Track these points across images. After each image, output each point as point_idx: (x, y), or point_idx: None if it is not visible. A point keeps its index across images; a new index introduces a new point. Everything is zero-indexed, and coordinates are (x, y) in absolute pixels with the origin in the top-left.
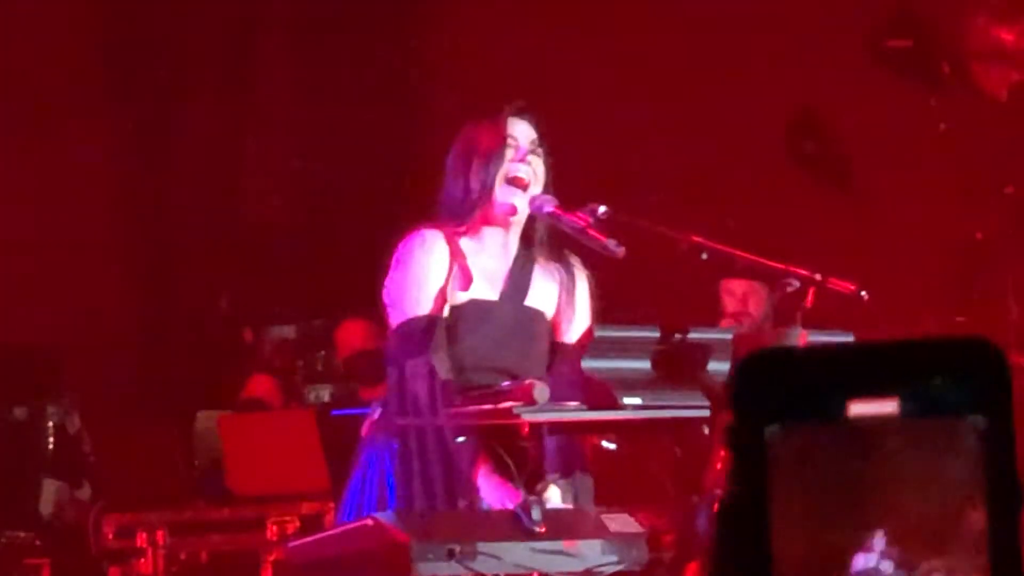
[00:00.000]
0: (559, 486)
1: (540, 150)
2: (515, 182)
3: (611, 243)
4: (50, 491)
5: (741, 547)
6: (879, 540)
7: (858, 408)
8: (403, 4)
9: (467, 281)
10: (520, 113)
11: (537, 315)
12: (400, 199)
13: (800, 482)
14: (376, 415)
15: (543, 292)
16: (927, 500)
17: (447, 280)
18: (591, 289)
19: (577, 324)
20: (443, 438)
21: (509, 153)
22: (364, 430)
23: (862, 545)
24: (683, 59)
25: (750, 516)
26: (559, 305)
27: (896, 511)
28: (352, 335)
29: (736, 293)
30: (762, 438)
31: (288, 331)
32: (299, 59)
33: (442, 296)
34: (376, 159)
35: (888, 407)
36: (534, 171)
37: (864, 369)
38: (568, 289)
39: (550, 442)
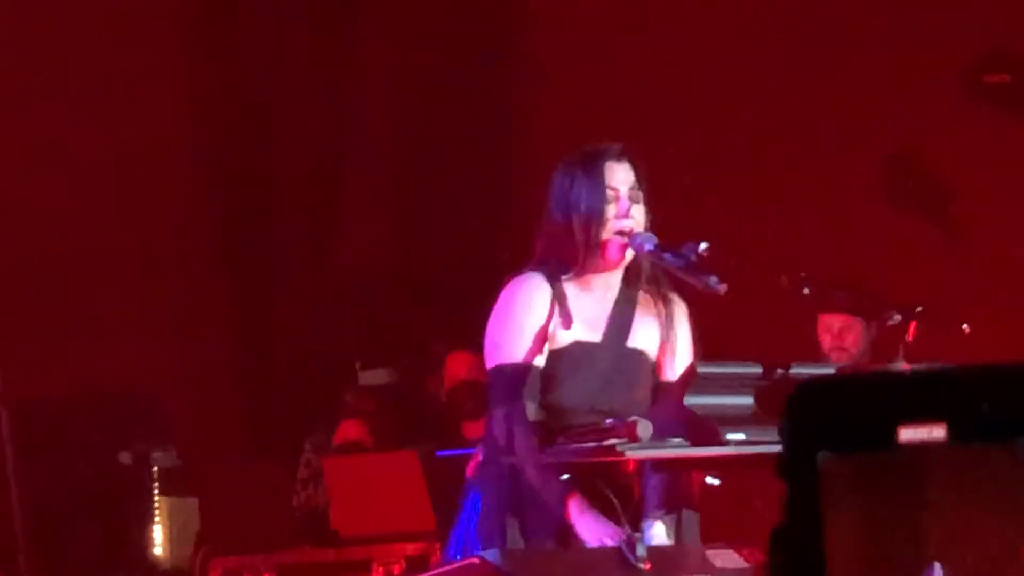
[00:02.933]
0: (663, 523)
1: (639, 194)
2: (621, 235)
3: (712, 280)
4: (157, 535)
5: (797, 573)
6: (937, 571)
7: (908, 434)
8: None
9: (568, 323)
10: (619, 158)
11: (640, 356)
12: (498, 241)
13: (854, 508)
14: (480, 456)
15: (645, 332)
16: (982, 528)
17: (547, 324)
18: (690, 324)
19: (679, 361)
20: (533, 479)
21: (611, 208)
22: (469, 471)
23: (923, 568)
24: (780, 96)
25: (805, 543)
26: (661, 343)
27: (952, 539)
28: (458, 366)
29: (833, 328)
30: (814, 465)
31: (380, 375)
32: (398, 97)
33: (540, 341)
34: (474, 198)
35: (937, 432)
36: (635, 219)
37: (913, 395)
38: (669, 326)
39: (653, 479)
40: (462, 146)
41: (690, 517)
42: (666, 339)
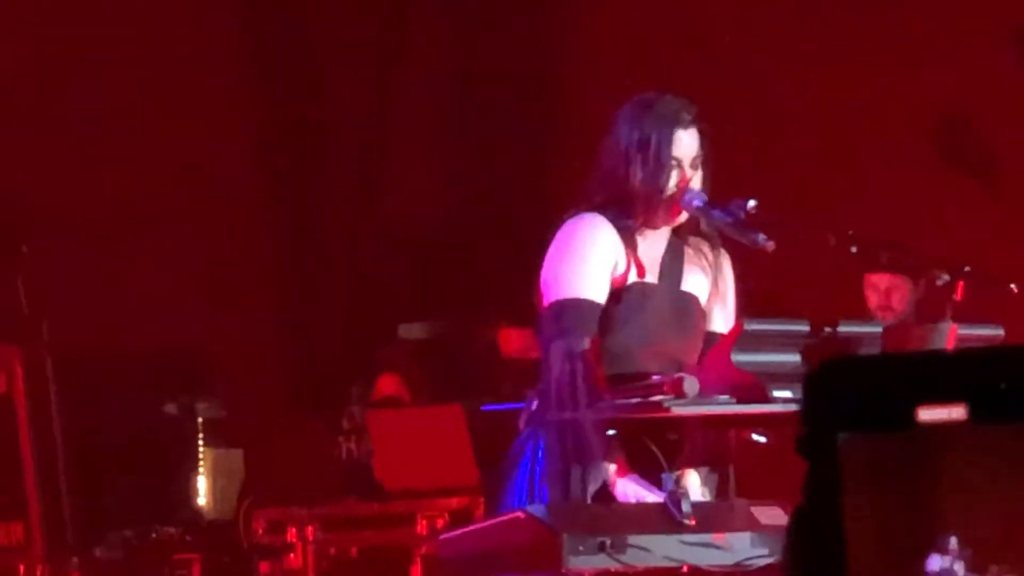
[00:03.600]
0: (698, 479)
1: (700, 161)
2: (680, 203)
3: (760, 237)
4: (201, 487)
5: (816, 554)
6: (953, 542)
7: (927, 414)
8: None
9: (630, 265)
10: (688, 126)
11: (693, 300)
12: (544, 199)
13: (873, 488)
14: (533, 406)
15: (695, 278)
16: (999, 506)
17: (611, 267)
18: (735, 278)
19: (727, 310)
20: (582, 431)
21: (673, 178)
22: (521, 423)
23: (936, 547)
24: (830, 54)
25: (823, 522)
26: (710, 291)
27: (968, 515)
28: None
29: (880, 287)
30: (834, 445)
31: (416, 329)
32: (447, 51)
33: (603, 282)
34: (523, 154)
35: (957, 413)
36: (697, 178)
37: (932, 376)
38: (718, 274)
39: (691, 436)
40: (510, 101)
41: (723, 473)
42: (715, 287)
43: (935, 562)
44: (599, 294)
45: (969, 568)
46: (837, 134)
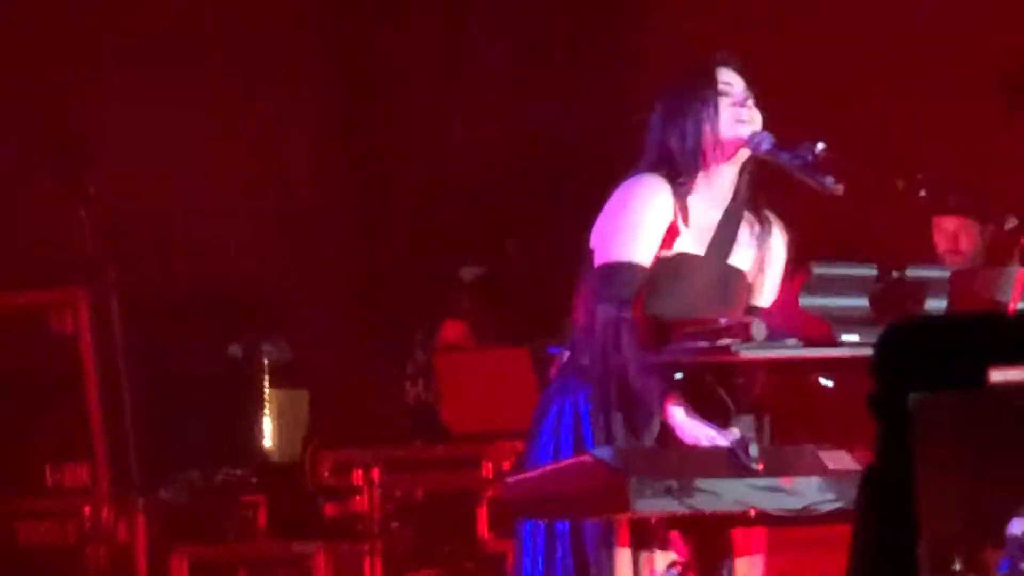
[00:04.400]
0: (743, 426)
1: (750, 101)
2: (740, 124)
3: (829, 180)
4: (266, 429)
5: (888, 513)
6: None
7: (999, 375)
8: None
9: (678, 232)
10: (726, 62)
11: (738, 274)
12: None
13: (946, 448)
14: (565, 356)
15: (746, 251)
16: None
17: (665, 227)
18: (789, 250)
19: (768, 286)
20: (634, 380)
21: (726, 100)
22: (552, 371)
23: (1017, 511)
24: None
25: (896, 483)
26: (756, 266)
27: None
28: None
29: (948, 230)
30: (905, 405)
31: (474, 271)
32: (511, 10)
33: (653, 246)
34: (583, 116)
35: None
36: (750, 120)
37: (1005, 337)
38: (767, 250)
39: (767, 379)
40: (580, 41)
41: (771, 421)
42: (762, 263)
43: (1018, 525)
44: (647, 257)
45: None
46: (907, 77)
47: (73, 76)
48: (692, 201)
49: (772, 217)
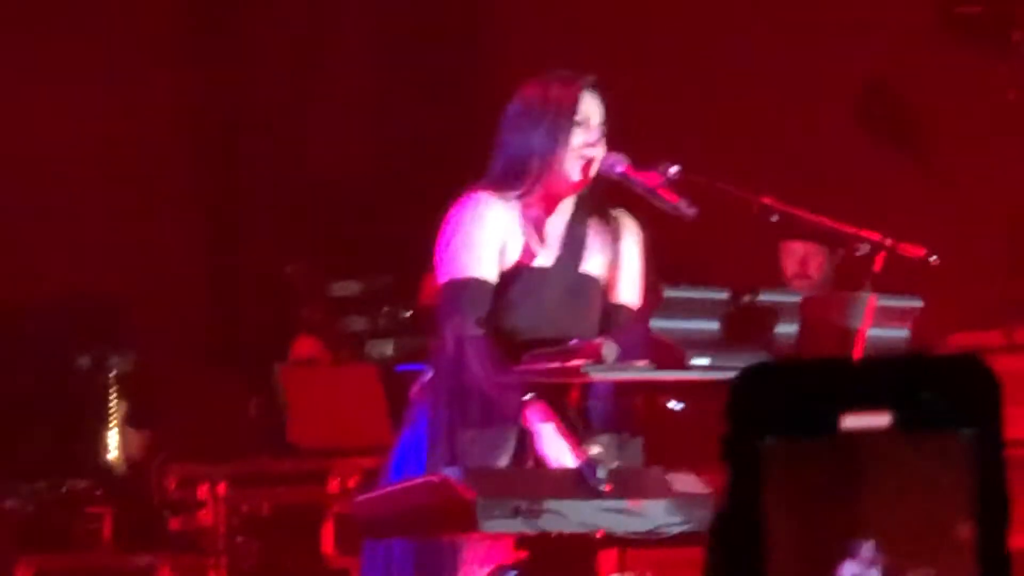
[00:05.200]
0: (604, 444)
1: (604, 129)
2: (587, 164)
3: (682, 203)
4: (112, 440)
5: (734, 557)
6: (868, 549)
7: (851, 421)
8: None
9: (521, 245)
10: (592, 88)
11: (591, 281)
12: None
13: (793, 493)
14: (427, 377)
15: (597, 256)
16: (917, 511)
17: (501, 243)
18: (643, 246)
19: (626, 283)
20: (490, 394)
21: (580, 135)
22: (413, 391)
23: (850, 554)
24: (753, 20)
25: (744, 526)
26: (611, 266)
27: (886, 521)
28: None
29: (796, 254)
30: (757, 450)
31: (353, 287)
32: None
33: (494, 261)
34: (447, 113)
35: (881, 420)
36: (601, 152)
37: (858, 383)
38: (619, 249)
39: (599, 402)
40: (437, 59)
41: (633, 441)
42: (615, 262)
43: (849, 568)
44: (489, 272)
45: (884, 574)
46: (761, 101)
47: None
48: (535, 215)
49: (621, 215)
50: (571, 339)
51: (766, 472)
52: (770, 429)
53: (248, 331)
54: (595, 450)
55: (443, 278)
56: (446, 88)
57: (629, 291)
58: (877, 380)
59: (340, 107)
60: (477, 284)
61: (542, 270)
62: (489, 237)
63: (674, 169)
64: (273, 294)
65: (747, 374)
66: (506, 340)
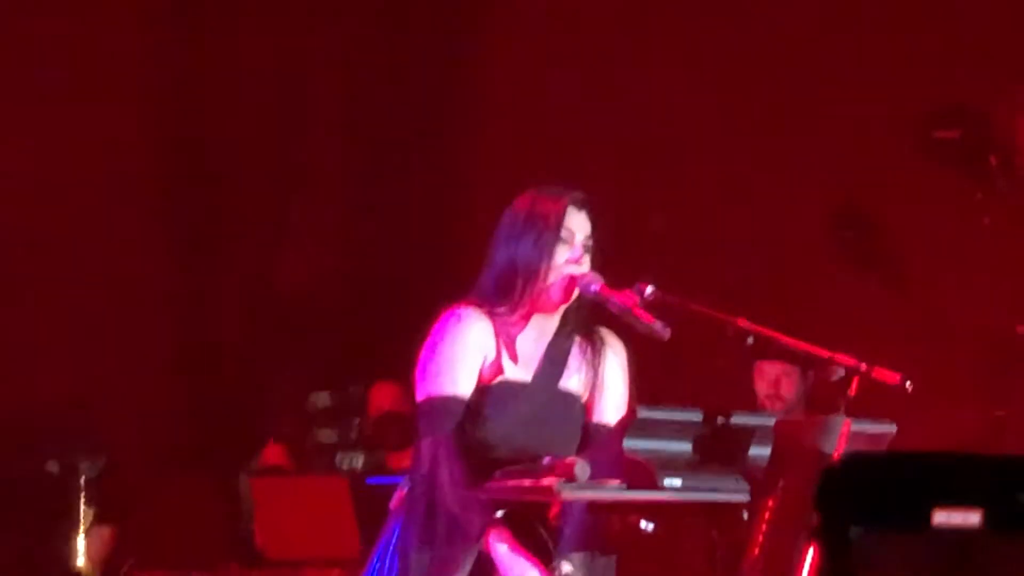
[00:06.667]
0: (574, 563)
1: (591, 245)
2: (570, 281)
3: (657, 325)
4: (80, 547)
5: None
6: None
7: (942, 517)
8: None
9: (501, 361)
10: (580, 206)
11: (570, 398)
12: (440, 269)
13: None
14: (406, 489)
15: (578, 374)
16: None
17: (481, 359)
18: (627, 366)
19: (608, 403)
20: (454, 510)
21: (564, 252)
22: (393, 503)
23: None
24: (729, 143)
25: None
26: (592, 386)
27: None
28: (383, 397)
29: (769, 375)
30: (847, 539)
31: (323, 398)
32: (344, 120)
33: (472, 376)
34: (418, 227)
35: (972, 518)
36: (585, 268)
37: (951, 479)
38: (601, 370)
39: (572, 520)
40: (411, 165)
41: (605, 560)
42: (596, 382)
43: None
44: (467, 389)
45: None
46: (737, 220)
47: None
48: (516, 331)
49: (606, 335)
50: (547, 453)
51: (857, 562)
52: (861, 519)
53: (218, 438)
54: (566, 568)
55: (422, 395)
56: (420, 202)
57: (609, 411)
58: (970, 478)
59: (311, 217)
60: (454, 401)
61: (520, 385)
62: (469, 354)
63: (649, 289)
64: (245, 403)
65: (841, 462)
66: (479, 454)
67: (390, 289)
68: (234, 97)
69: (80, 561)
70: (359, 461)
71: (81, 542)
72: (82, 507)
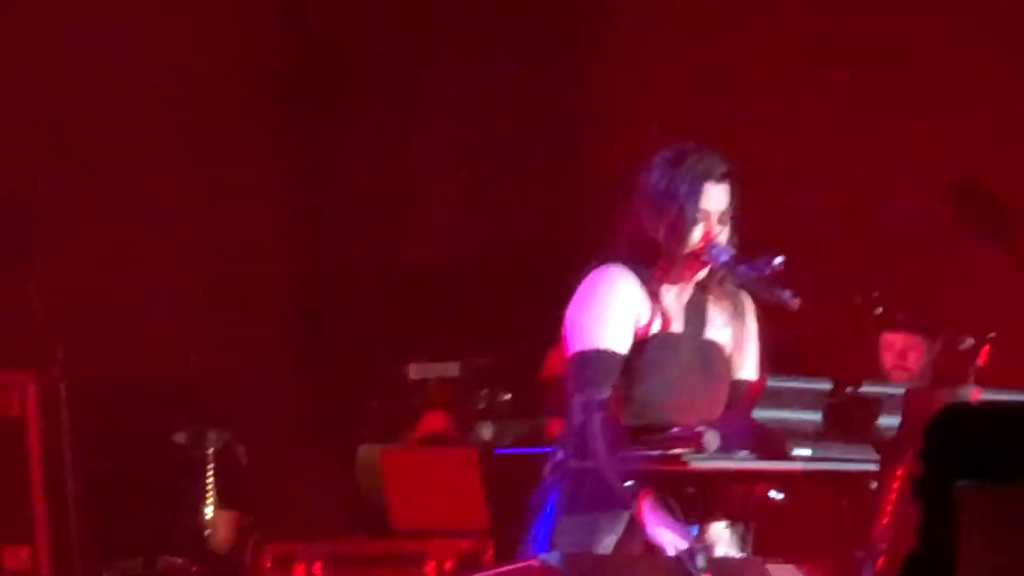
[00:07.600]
0: (724, 534)
1: (728, 217)
2: (702, 253)
3: (786, 294)
4: (209, 517)
5: None
6: None
7: None
8: (575, 36)
9: (653, 317)
10: (720, 179)
11: (718, 348)
12: (567, 237)
13: (989, 539)
14: (558, 456)
15: (719, 327)
16: None
17: (635, 317)
18: (759, 322)
19: (750, 358)
20: (607, 475)
21: (698, 231)
22: (546, 471)
23: None
24: (856, 117)
25: (935, 569)
26: (734, 340)
27: None
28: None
29: (895, 347)
30: (951, 492)
31: (452, 368)
32: (467, 92)
33: (625, 332)
34: (545, 194)
35: None
36: (721, 243)
37: None
38: (741, 323)
39: (718, 490)
40: (534, 141)
41: (744, 529)
42: (738, 335)
43: None
44: (621, 344)
45: None
46: (866, 194)
47: (19, 154)
48: (660, 287)
49: (742, 294)
50: (696, 411)
51: (960, 515)
52: (965, 471)
53: (344, 409)
54: (705, 537)
55: (573, 349)
56: (543, 175)
57: (750, 367)
58: None
59: (435, 187)
60: (608, 355)
61: (673, 336)
62: (622, 308)
63: (778, 260)
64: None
65: (945, 413)
66: (637, 409)
67: (522, 260)
68: (362, 72)
69: (210, 532)
70: (488, 432)
71: (210, 513)
72: (210, 478)
